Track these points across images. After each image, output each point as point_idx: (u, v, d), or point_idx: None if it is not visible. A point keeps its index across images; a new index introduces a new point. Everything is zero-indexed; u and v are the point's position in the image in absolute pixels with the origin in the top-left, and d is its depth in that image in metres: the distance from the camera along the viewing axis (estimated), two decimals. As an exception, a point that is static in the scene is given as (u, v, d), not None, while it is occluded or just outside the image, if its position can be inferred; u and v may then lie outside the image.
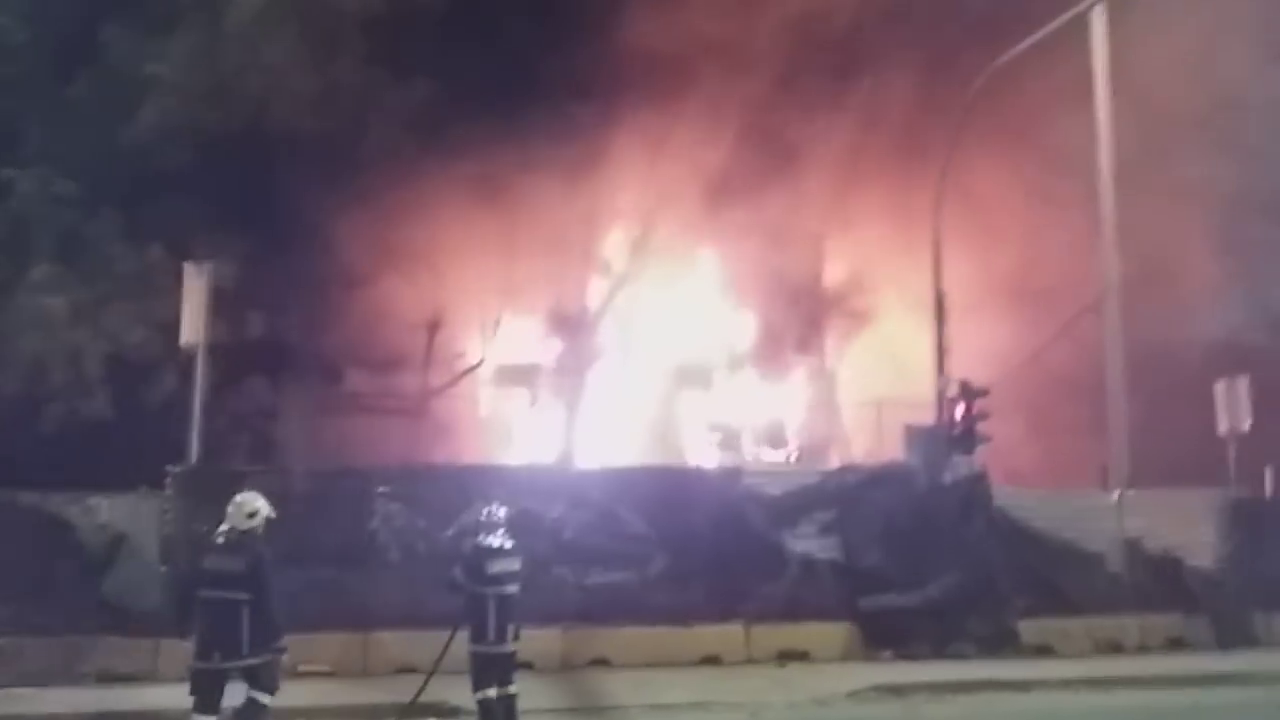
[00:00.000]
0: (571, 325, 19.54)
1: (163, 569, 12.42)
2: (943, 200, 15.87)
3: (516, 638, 8.54)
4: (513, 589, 8.51)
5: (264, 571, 7.26)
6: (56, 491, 12.69)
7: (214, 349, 14.76)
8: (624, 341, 19.51)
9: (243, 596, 7.14)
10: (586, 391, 19.24)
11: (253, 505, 7.50)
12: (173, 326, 14.39)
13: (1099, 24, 16.04)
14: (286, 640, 7.35)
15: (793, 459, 19.87)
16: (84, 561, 12.27)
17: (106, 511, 12.67)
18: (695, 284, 19.88)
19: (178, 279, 14.38)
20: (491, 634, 8.35)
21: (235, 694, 7.24)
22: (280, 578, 7.37)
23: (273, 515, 7.51)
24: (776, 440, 20.41)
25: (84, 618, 11.64)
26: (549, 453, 18.37)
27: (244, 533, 7.38)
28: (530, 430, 19.35)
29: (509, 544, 8.63)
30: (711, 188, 18.87)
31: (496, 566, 8.44)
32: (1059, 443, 17.83)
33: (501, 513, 8.77)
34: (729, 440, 19.81)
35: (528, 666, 12.03)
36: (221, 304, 15.15)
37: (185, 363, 14.46)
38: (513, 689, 8.53)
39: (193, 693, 7.25)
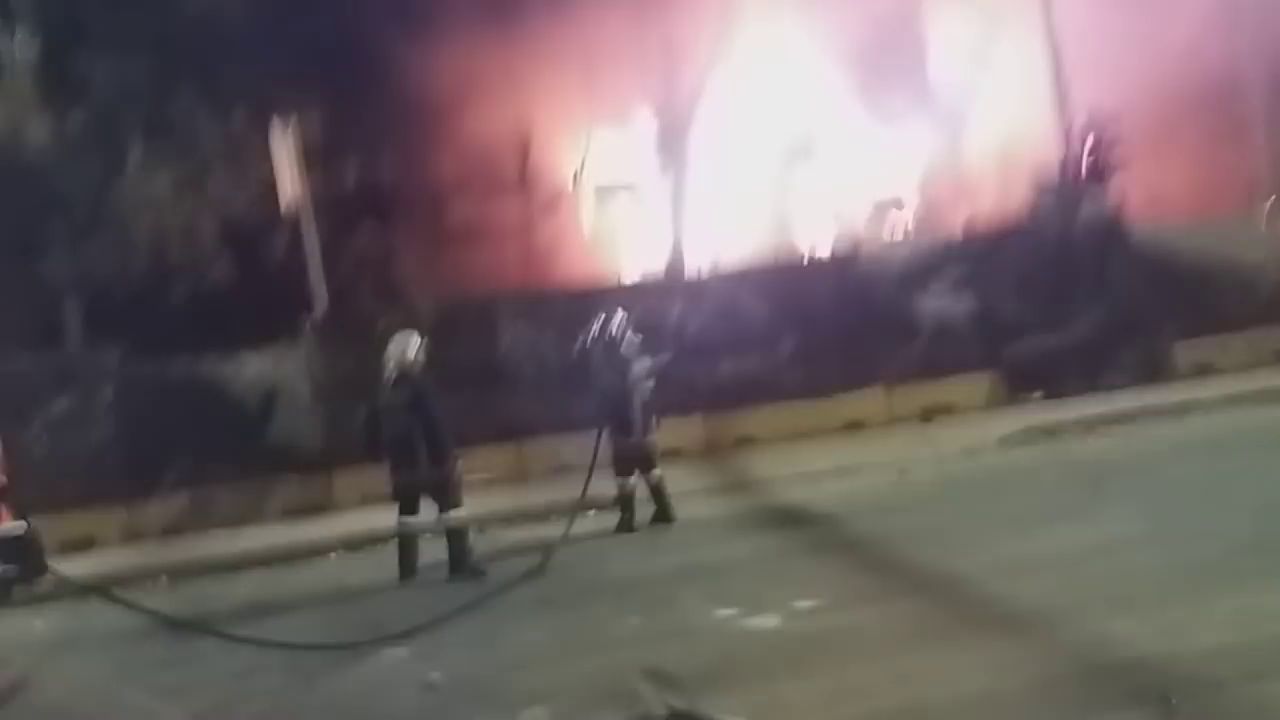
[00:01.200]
0: (665, 123, 18.93)
1: (316, 409, 12.93)
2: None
3: (657, 428, 9.56)
4: (649, 384, 9.48)
5: (427, 400, 8.30)
6: (203, 356, 13.20)
7: (318, 200, 14.94)
8: (721, 129, 18.75)
9: (413, 425, 8.20)
10: (688, 190, 18.74)
11: (409, 342, 8.55)
12: (273, 185, 14.58)
13: None
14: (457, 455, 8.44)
15: (910, 226, 19.09)
16: (245, 414, 12.86)
17: (255, 366, 13.16)
18: (788, 56, 18.80)
19: (266, 139, 14.51)
20: (637, 428, 9.35)
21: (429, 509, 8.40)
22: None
23: (426, 348, 8.57)
24: (893, 209, 19.59)
25: (257, 464, 12.32)
26: (658, 260, 18.15)
27: (406, 368, 8.40)
28: (638, 240, 19.07)
29: (637, 343, 9.56)
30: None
31: (632, 367, 9.39)
32: (1201, 159, 16.67)
33: (624, 318, 9.69)
34: (882, 211, 18.92)
35: (675, 453, 12.45)
36: (315, 156, 15.22)
37: (294, 218, 14.67)
38: (657, 472, 9.47)
39: (394, 498, 8.47)
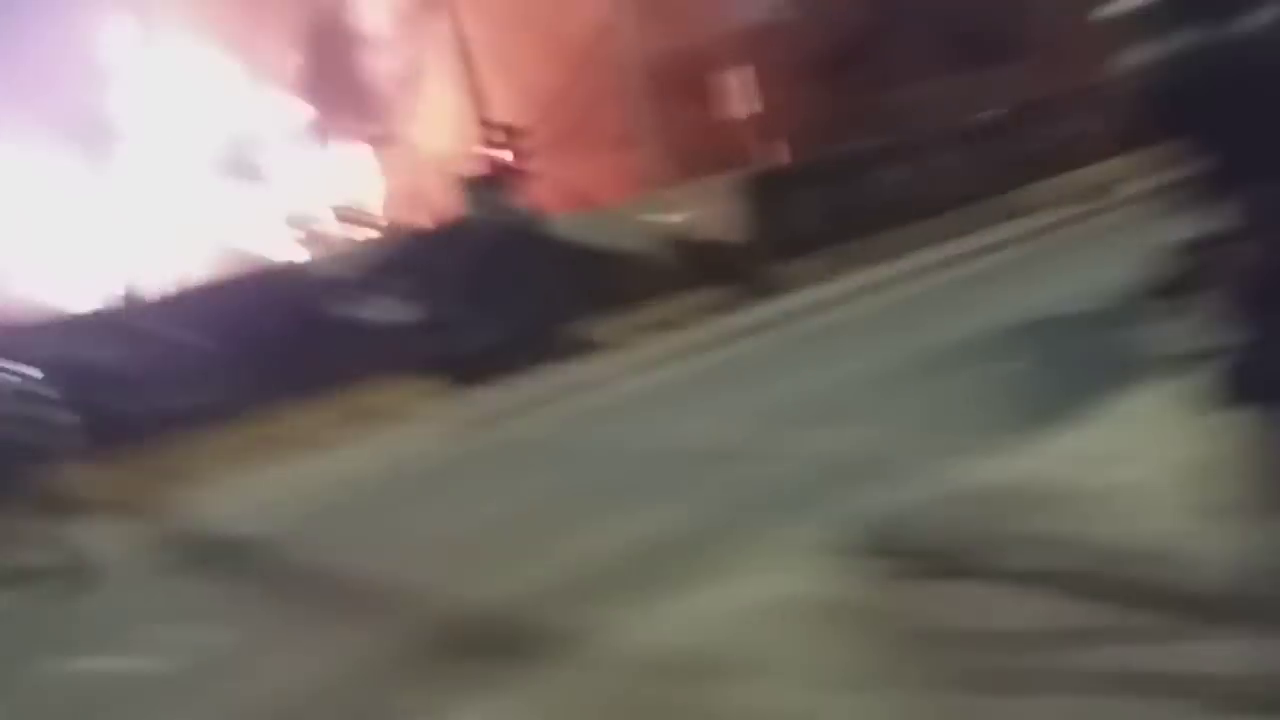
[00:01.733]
0: (85, 142, 17.77)
1: None
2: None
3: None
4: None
5: None
6: None
7: None
8: (151, 147, 17.99)
9: None
10: (118, 203, 17.74)
11: None
12: None
13: None
14: None
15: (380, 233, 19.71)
16: None
17: None
18: (215, 69, 18.48)
19: None
20: None
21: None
22: None
23: None
24: (358, 219, 20.14)
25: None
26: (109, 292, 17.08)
27: None
28: (51, 265, 17.71)
29: None
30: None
31: None
32: (615, 159, 18.94)
33: None
34: (312, 233, 19.35)
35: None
36: None
37: None
38: None
39: None
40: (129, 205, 17.49)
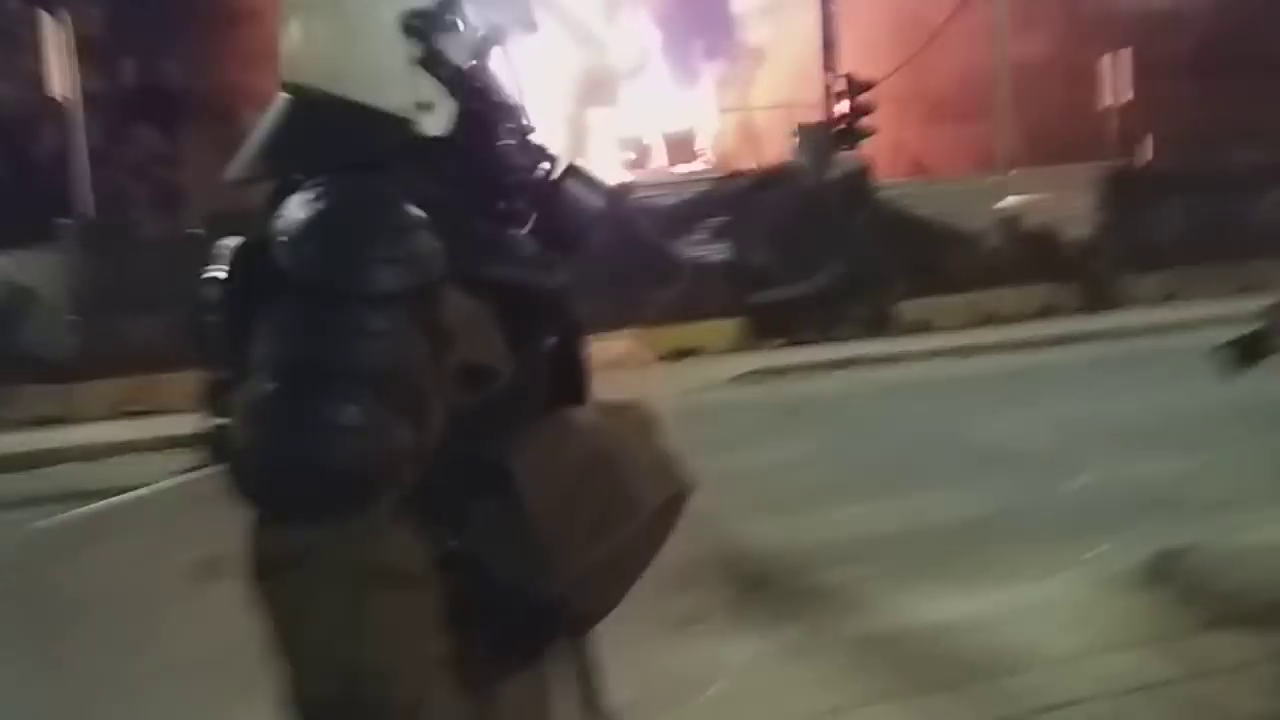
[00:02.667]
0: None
1: (71, 318, 12.82)
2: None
3: None
4: None
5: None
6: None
7: (94, 97, 14.56)
8: (519, 63, 19.04)
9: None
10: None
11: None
12: (43, 78, 14.13)
13: None
14: None
15: (703, 169, 20.02)
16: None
17: (6, 267, 12.90)
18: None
19: (38, 27, 14.00)
20: None
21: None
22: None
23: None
24: (686, 152, 20.48)
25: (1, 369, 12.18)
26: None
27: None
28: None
29: None
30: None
31: None
32: (959, 130, 18.12)
33: None
34: (640, 156, 19.88)
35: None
36: (92, 50, 14.79)
37: (62, 116, 14.28)
38: None
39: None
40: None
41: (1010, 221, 15.08)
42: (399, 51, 1.46)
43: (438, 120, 1.50)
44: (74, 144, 13.95)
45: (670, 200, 14.98)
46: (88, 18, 15.00)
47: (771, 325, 14.30)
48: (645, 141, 20.05)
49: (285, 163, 1.51)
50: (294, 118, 1.51)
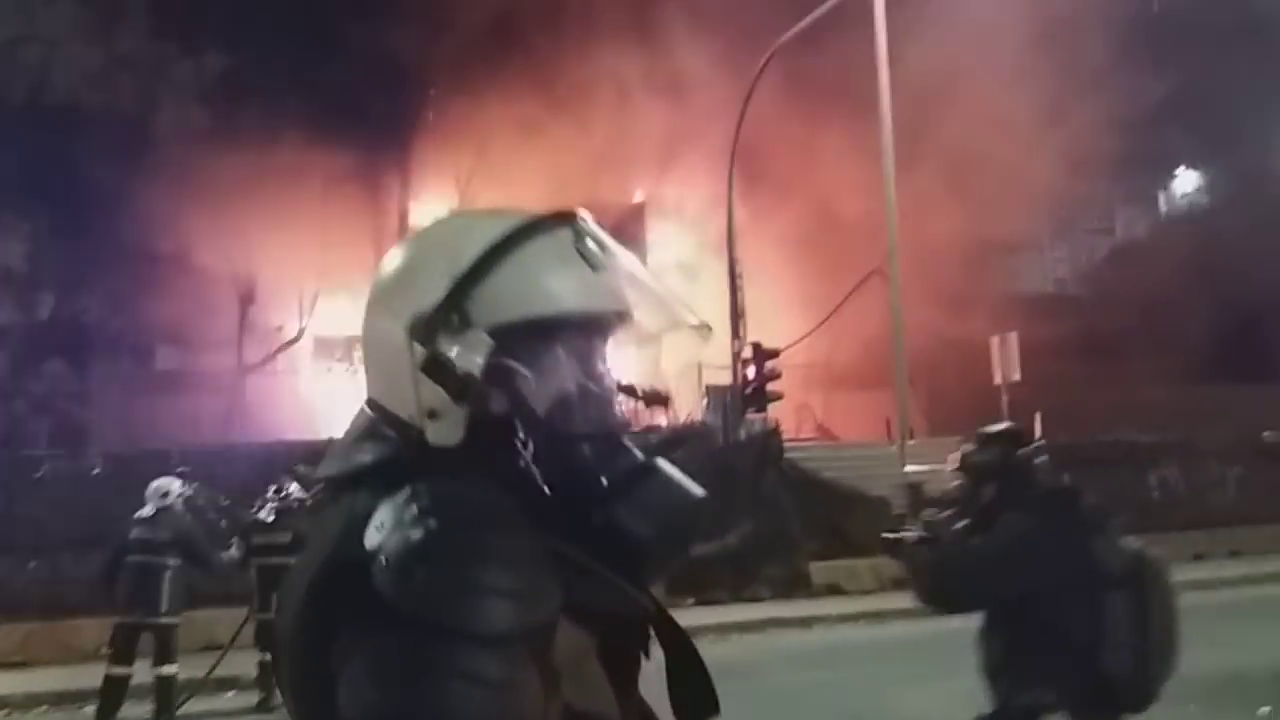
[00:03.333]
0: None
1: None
2: (735, 165, 16.57)
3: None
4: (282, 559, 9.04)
5: (193, 542, 8.58)
6: None
7: (6, 331, 14.43)
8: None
9: (161, 566, 8.30)
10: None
11: (170, 485, 8.75)
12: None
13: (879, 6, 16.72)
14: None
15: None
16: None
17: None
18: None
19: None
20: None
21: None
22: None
23: (188, 492, 8.86)
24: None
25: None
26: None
27: (164, 509, 8.53)
28: (351, 403, 19.36)
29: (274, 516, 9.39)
30: (529, 152, 19.22)
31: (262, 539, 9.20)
32: (860, 398, 18.99)
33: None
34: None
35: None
36: (11, 284, 14.79)
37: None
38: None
39: (113, 643, 8.41)
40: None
41: (913, 488, 15.57)
42: (404, 358, 1.35)
43: (447, 428, 1.36)
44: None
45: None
46: (10, 251, 15.09)
47: (682, 583, 14.22)
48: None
49: (343, 466, 1.41)
50: (357, 422, 1.45)
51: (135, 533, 8.43)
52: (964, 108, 18.96)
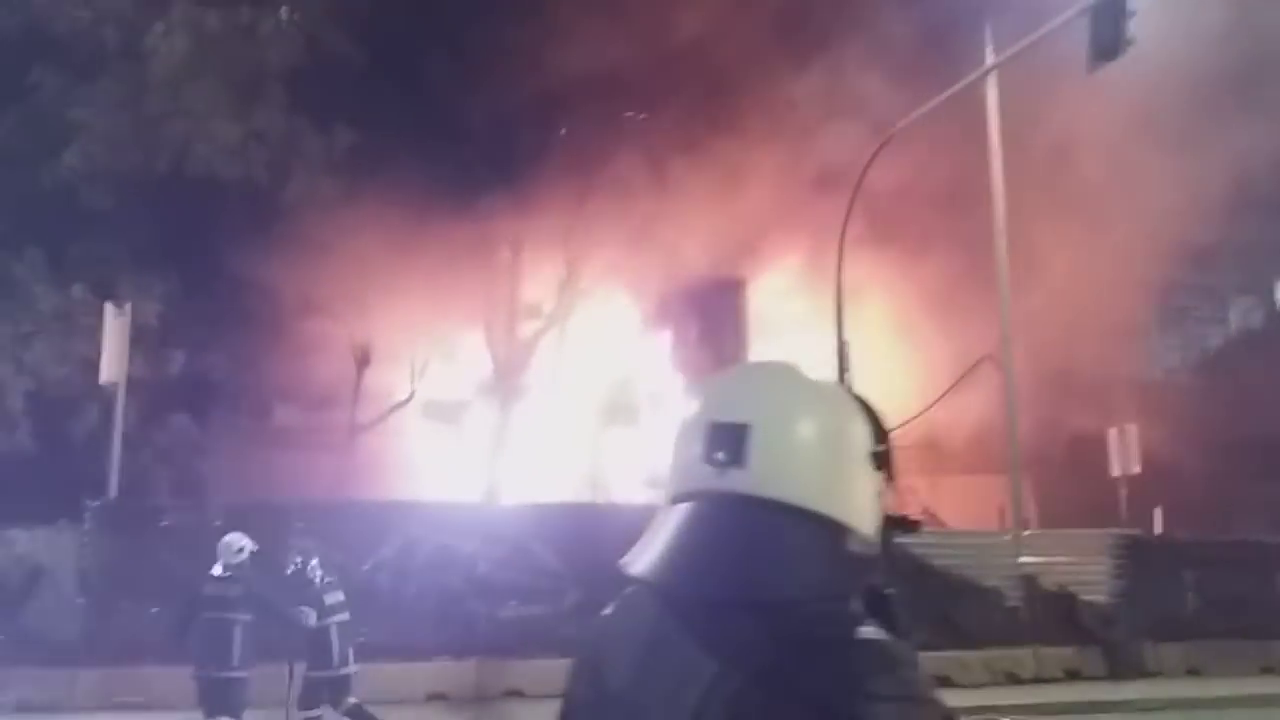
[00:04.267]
0: (498, 363, 19.97)
1: (80, 601, 12.53)
2: (847, 247, 16.55)
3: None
4: (344, 616, 9.45)
5: (263, 598, 8.65)
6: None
7: (137, 385, 15.02)
8: (551, 379, 19.98)
9: (233, 622, 8.43)
10: (513, 429, 19.62)
11: (241, 541, 8.79)
12: (95, 363, 14.64)
13: (992, 92, 16.70)
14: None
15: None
16: (1, 593, 12.37)
17: (25, 544, 12.76)
18: (621, 322, 20.46)
19: (100, 317, 14.68)
20: (334, 660, 9.31)
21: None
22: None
23: (255, 549, 8.78)
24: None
25: (1, 649, 11.76)
26: (474, 489, 18.72)
27: (233, 565, 8.61)
28: (456, 467, 19.67)
29: (332, 577, 9.62)
30: (636, 228, 19.56)
31: (326, 599, 9.35)
32: (968, 483, 18.60)
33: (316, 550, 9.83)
34: (657, 480, 20.26)
35: (441, 697, 12.53)
36: (144, 342, 15.45)
37: (107, 398, 14.67)
38: (352, 700, 9.50)
39: (200, 697, 8.53)
40: (524, 425, 19.36)
41: (1028, 580, 15.14)
42: (863, 463, 1.44)
43: (870, 526, 1.45)
44: (113, 426, 14.22)
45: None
46: (145, 310, 15.78)
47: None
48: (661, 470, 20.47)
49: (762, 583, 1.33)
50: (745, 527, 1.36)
51: (208, 589, 8.56)
52: (1078, 191, 18.78)
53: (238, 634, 8.41)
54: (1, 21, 16.85)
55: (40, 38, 16.96)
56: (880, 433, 1.44)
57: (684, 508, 1.41)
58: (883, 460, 1.42)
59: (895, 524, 1.46)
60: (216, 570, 8.65)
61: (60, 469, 14.26)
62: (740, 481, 1.37)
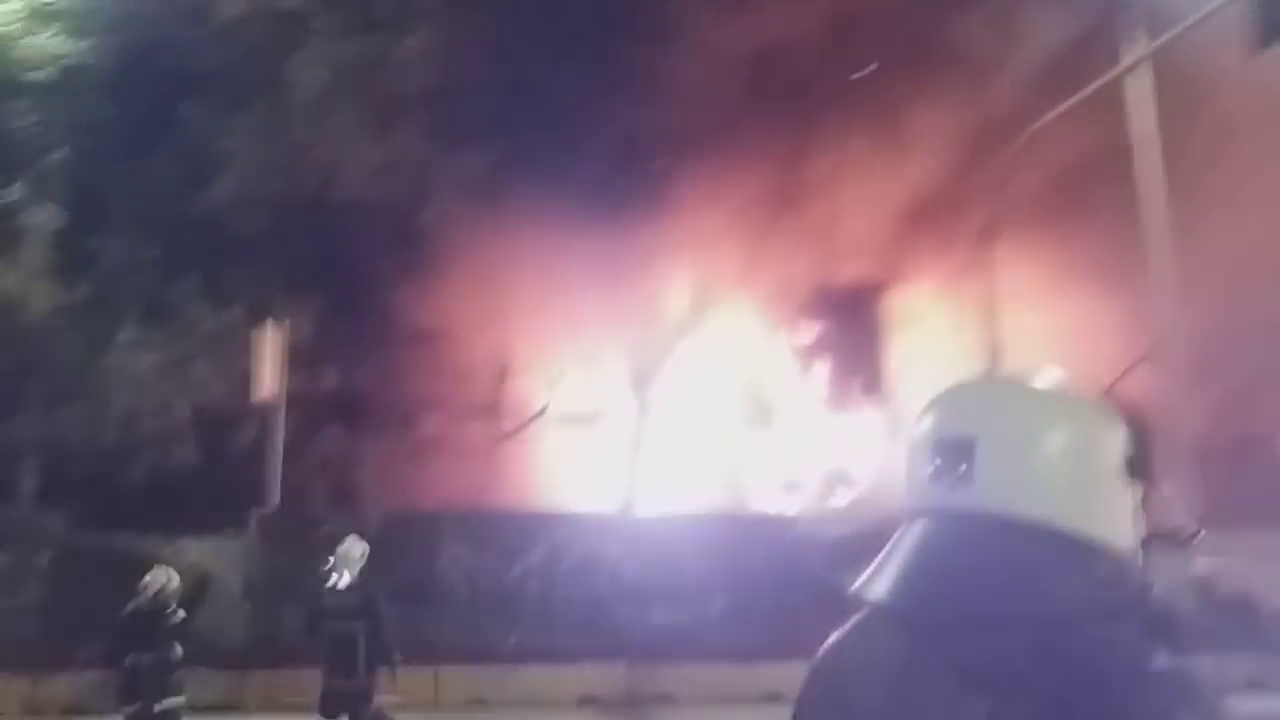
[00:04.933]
0: (635, 372, 20.03)
1: (246, 606, 13.02)
2: (989, 254, 16.08)
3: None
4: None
5: (378, 606, 8.60)
6: (148, 534, 13.41)
7: (291, 400, 15.60)
8: (688, 385, 19.92)
9: (357, 630, 8.42)
10: (649, 436, 19.63)
11: (358, 547, 8.81)
12: (253, 381, 15.30)
13: (1132, 90, 16.00)
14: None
15: (853, 502, 19.94)
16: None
17: (194, 552, 13.34)
18: (758, 328, 20.28)
19: (255, 337, 15.37)
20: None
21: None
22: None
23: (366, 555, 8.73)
24: (841, 483, 20.50)
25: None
26: (612, 498, 18.78)
27: (352, 572, 8.63)
28: (594, 476, 19.78)
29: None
30: (768, 233, 19.40)
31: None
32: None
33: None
34: (795, 486, 19.98)
35: (591, 701, 12.55)
36: (297, 359, 16.04)
37: (265, 414, 15.27)
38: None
39: (322, 705, 8.62)
40: (658, 432, 19.39)
41: (1203, 583, 14.30)
42: (1119, 477, 1.33)
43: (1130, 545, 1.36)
44: (272, 440, 14.80)
45: (837, 532, 14.80)
46: (299, 327, 16.39)
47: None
48: (802, 473, 20.20)
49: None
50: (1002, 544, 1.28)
51: (328, 600, 8.56)
52: (1240, 179, 17.78)
53: (360, 644, 8.39)
54: (150, 61, 17.81)
55: (187, 74, 17.86)
56: (1135, 440, 1.33)
57: (917, 528, 1.36)
58: (1137, 469, 1.31)
59: (1165, 537, 1.38)
60: (343, 580, 8.53)
61: (222, 482, 14.87)
62: (968, 497, 1.31)
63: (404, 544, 13.54)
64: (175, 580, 9.00)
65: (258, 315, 16.08)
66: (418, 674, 12.50)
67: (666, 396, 19.79)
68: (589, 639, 12.66)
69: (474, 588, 13.54)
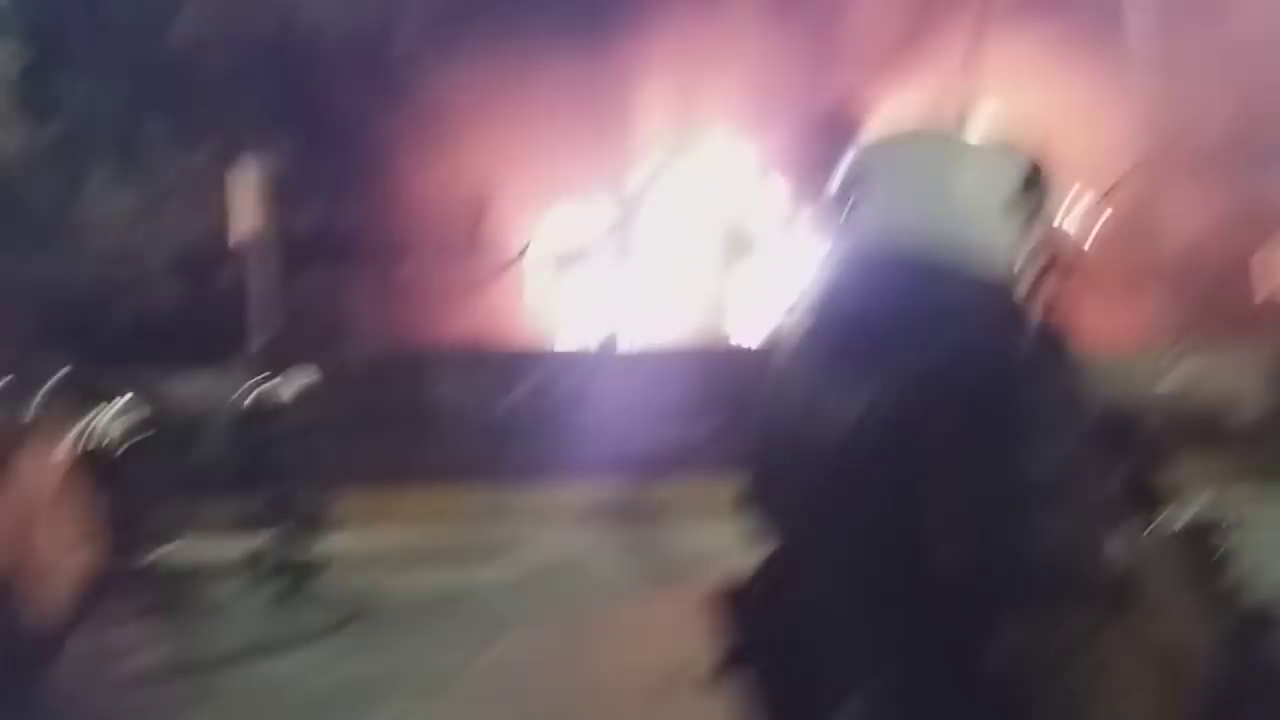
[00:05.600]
0: (615, 203, 19.82)
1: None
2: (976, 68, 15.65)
3: None
4: None
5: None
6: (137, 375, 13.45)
7: (269, 240, 15.43)
8: (668, 216, 19.73)
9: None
10: (632, 270, 19.57)
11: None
12: (228, 221, 15.09)
13: None
14: None
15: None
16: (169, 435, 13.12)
17: (187, 389, 13.44)
18: (740, 154, 19.93)
19: (231, 176, 15.07)
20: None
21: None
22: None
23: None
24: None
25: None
26: (595, 335, 18.88)
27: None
28: (576, 313, 19.81)
29: None
30: (756, 62, 18.85)
31: None
32: (1116, 303, 17.72)
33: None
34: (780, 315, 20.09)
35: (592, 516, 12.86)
36: (273, 196, 15.77)
37: (244, 253, 15.12)
38: None
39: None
40: (637, 264, 19.34)
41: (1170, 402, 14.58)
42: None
43: None
44: (252, 281, 14.67)
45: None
46: (272, 165, 16.05)
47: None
48: (783, 305, 20.29)
49: None
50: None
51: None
52: None
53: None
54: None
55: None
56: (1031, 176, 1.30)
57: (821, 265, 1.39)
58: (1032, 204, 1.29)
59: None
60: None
61: (203, 320, 14.85)
62: (860, 229, 1.33)
63: (390, 379, 13.68)
64: None
65: (231, 155, 15.70)
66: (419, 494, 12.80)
67: (650, 229, 19.65)
68: (581, 460, 12.81)
69: (462, 422, 13.72)
